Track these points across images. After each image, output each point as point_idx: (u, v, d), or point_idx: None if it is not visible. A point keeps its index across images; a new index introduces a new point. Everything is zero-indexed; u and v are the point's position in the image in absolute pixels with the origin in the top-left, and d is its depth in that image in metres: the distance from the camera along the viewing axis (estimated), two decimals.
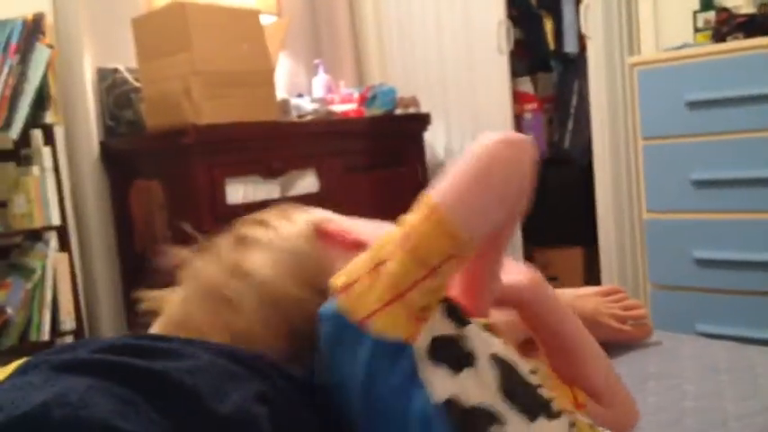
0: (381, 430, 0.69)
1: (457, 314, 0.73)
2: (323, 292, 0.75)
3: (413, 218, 0.74)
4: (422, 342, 0.69)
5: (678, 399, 1.09)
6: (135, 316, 2.86)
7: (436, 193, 0.74)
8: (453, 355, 0.70)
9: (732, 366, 1.19)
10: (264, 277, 0.82)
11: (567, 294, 1.27)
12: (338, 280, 0.73)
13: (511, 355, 0.75)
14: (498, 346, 0.74)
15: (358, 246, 0.82)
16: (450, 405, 0.67)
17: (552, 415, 0.71)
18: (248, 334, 0.79)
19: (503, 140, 0.76)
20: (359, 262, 0.74)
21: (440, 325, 0.71)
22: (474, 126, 3.41)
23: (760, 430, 0.96)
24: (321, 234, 0.87)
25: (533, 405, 0.71)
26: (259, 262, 0.83)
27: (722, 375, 1.16)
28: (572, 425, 0.73)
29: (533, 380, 0.74)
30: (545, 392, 0.74)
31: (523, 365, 0.75)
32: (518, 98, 3.53)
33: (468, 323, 0.74)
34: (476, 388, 0.69)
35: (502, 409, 0.69)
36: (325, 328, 0.73)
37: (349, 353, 0.70)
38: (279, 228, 0.88)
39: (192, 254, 0.89)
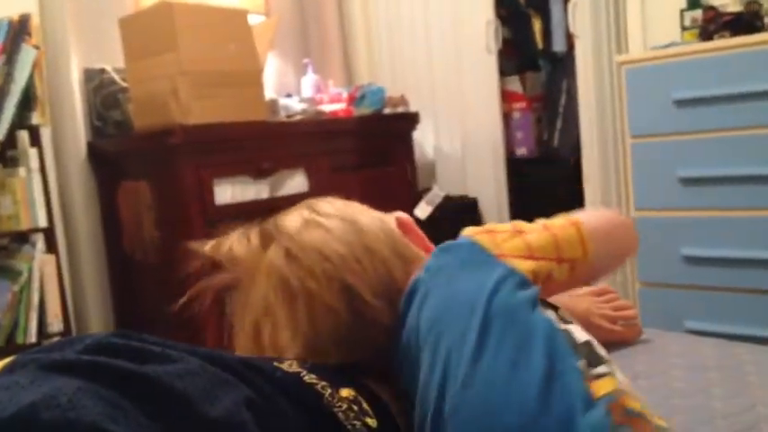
0: (505, 329, 0.72)
1: (546, 303, 0.81)
2: (408, 263, 0.87)
3: (556, 221, 0.90)
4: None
5: (667, 396, 1.09)
6: (123, 317, 2.83)
7: (580, 216, 0.91)
8: (558, 315, 0.79)
9: (720, 364, 1.20)
10: (363, 226, 0.90)
11: (561, 294, 1.27)
12: (472, 230, 0.85)
13: None
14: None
15: (429, 249, 0.93)
16: (567, 333, 0.74)
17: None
18: (335, 257, 0.85)
19: (628, 219, 1.04)
20: (498, 226, 0.87)
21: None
22: (463, 125, 3.42)
23: (747, 428, 0.96)
24: (402, 226, 0.96)
25: None
26: (360, 216, 0.92)
27: (711, 373, 1.16)
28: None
29: None
30: None
31: None
32: (507, 97, 3.54)
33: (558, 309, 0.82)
34: (581, 334, 0.76)
35: (604, 352, 0.75)
36: (453, 254, 0.83)
37: (478, 272, 0.78)
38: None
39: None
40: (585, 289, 1.33)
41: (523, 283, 0.77)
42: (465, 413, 0.69)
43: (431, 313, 0.77)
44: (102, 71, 2.77)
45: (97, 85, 2.77)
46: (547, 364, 0.68)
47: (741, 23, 2.31)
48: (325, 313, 0.83)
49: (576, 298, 1.28)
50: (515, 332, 0.71)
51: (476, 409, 0.68)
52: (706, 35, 2.39)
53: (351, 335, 0.83)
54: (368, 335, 0.84)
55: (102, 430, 0.53)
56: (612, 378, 0.70)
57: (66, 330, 2.44)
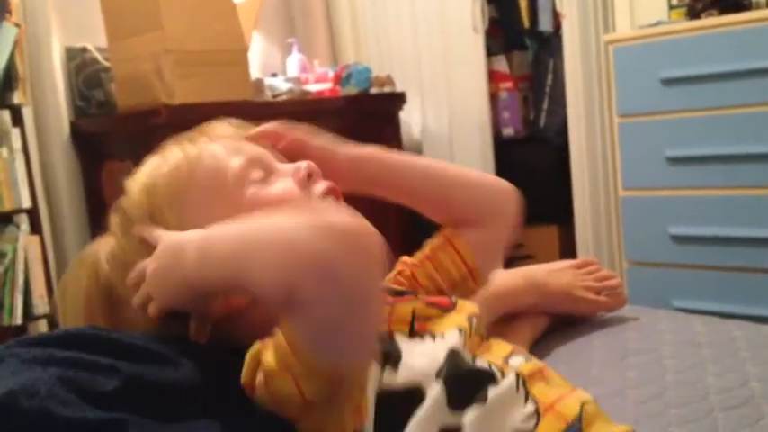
0: None
1: None
2: None
3: None
4: None
5: (659, 373, 1.09)
6: None
7: None
8: None
9: (712, 340, 1.20)
10: None
11: (541, 270, 1.26)
12: None
13: None
14: None
15: None
16: None
17: None
18: None
19: None
20: None
21: None
22: (449, 105, 3.40)
23: (742, 402, 0.97)
24: None
25: None
26: None
27: (702, 349, 1.17)
28: None
29: None
30: None
31: None
32: (493, 77, 3.52)
33: None
34: None
35: None
36: None
37: None
38: None
39: None
40: (566, 262, 1.31)
41: None
42: None
43: None
44: (84, 50, 2.73)
45: (79, 64, 2.73)
46: None
47: (729, 2, 2.31)
48: None
49: (557, 272, 1.26)
50: None
51: None
52: (694, 14, 2.38)
53: None
54: None
55: (80, 418, 0.54)
56: None
57: (53, 311, 2.42)
